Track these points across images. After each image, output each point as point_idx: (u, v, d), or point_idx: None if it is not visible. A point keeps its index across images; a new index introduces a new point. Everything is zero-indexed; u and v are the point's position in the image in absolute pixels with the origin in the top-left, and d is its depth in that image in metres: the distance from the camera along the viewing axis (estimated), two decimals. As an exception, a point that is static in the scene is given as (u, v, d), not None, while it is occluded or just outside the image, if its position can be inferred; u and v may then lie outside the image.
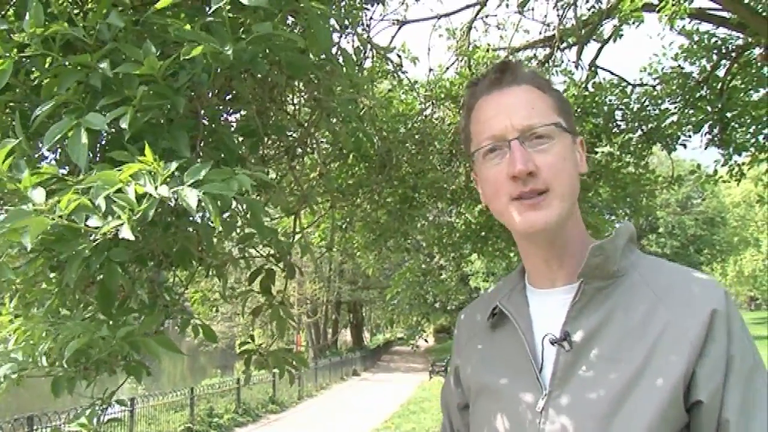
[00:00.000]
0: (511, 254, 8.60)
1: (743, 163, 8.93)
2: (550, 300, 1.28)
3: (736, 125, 8.27)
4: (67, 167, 1.80)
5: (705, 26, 8.48)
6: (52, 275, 1.77)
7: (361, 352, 38.16)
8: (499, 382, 1.32)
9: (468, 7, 8.48)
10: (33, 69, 1.62)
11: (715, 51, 8.34)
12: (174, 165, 1.29)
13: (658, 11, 5.66)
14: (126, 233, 1.20)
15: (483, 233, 7.76)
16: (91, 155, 1.58)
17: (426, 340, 49.02)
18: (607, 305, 1.20)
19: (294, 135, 2.49)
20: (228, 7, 1.46)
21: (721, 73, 8.41)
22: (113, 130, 1.49)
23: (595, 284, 1.21)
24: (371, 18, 4.39)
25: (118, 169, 1.28)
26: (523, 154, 1.20)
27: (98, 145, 1.72)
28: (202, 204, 1.26)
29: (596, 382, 1.16)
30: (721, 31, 8.41)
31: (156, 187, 1.24)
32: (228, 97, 2.05)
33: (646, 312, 1.17)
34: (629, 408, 1.11)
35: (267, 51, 1.69)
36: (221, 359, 40.27)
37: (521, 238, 1.33)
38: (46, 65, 1.58)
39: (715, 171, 9.05)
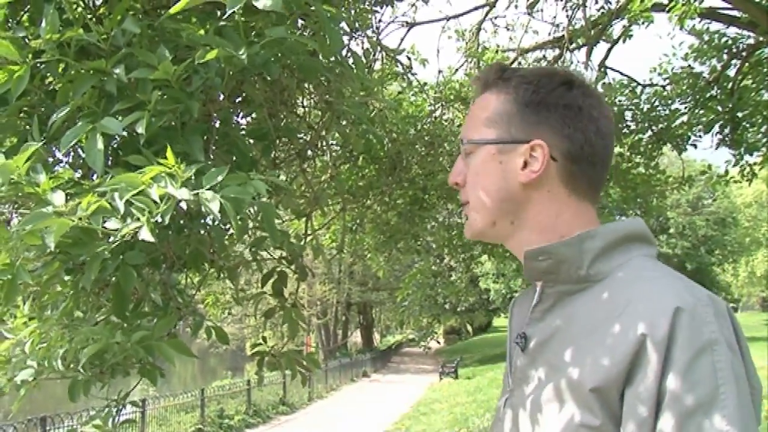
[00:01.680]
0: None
1: (755, 164, 8.88)
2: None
3: (747, 125, 8.23)
4: (80, 170, 1.82)
5: (715, 25, 8.46)
6: (66, 278, 1.79)
7: (371, 353, 38.18)
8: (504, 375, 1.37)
9: (477, 8, 8.48)
10: (48, 74, 1.63)
11: (726, 50, 8.31)
12: (193, 168, 1.31)
13: (668, 11, 5.65)
14: (146, 235, 1.22)
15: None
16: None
17: (438, 342, 49.07)
18: (569, 311, 1.16)
19: (305, 137, 2.50)
20: (240, 11, 1.48)
21: (731, 72, 8.38)
22: (125, 133, 1.50)
23: (560, 288, 1.17)
24: (380, 20, 4.40)
25: (139, 172, 1.30)
26: (456, 165, 1.31)
27: (110, 148, 1.73)
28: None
29: (537, 387, 1.15)
30: (732, 31, 8.40)
31: (177, 190, 1.26)
32: (238, 100, 2.07)
33: (594, 325, 1.09)
34: (546, 419, 1.10)
35: (279, 54, 1.70)
36: (231, 361, 40.38)
37: None
38: (61, 70, 1.60)
39: (726, 171, 9.02)
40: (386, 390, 25.94)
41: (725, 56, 8.32)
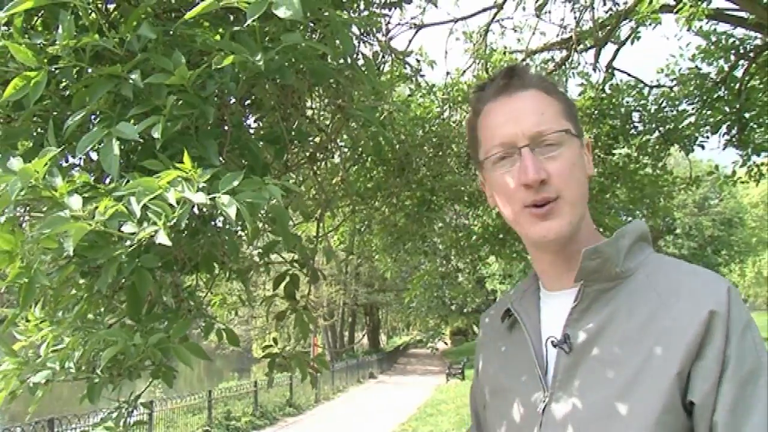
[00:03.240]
0: (529, 256, 8.53)
1: (762, 164, 8.87)
2: (558, 302, 1.29)
3: (755, 126, 8.21)
4: (92, 173, 1.83)
5: (722, 27, 8.44)
6: (81, 281, 1.80)
7: (378, 354, 38.15)
8: (511, 383, 1.35)
9: (485, 10, 8.48)
10: (63, 79, 1.65)
11: (733, 51, 8.29)
12: (209, 173, 1.32)
13: (676, 12, 5.64)
14: (163, 239, 1.23)
15: (501, 236, 7.76)
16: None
17: (446, 343, 49.00)
18: (610, 307, 1.19)
19: (315, 140, 2.51)
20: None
21: (739, 73, 8.36)
22: (141, 138, 1.51)
23: (597, 286, 1.21)
24: (389, 22, 4.41)
25: (156, 177, 1.31)
26: (534, 162, 1.21)
27: (123, 152, 1.74)
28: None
29: (594, 385, 1.16)
30: (739, 32, 8.38)
31: (193, 194, 1.27)
32: (249, 104, 2.08)
33: (648, 315, 1.15)
34: (624, 412, 1.11)
35: (292, 59, 1.71)
36: (238, 362, 40.44)
37: (531, 245, 1.34)
38: (76, 75, 1.61)
39: (734, 172, 9.00)
40: (393, 391, 25.93)
41: (732, 57, 8.30)
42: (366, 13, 2.42)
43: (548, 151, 1.22)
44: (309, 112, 2.46)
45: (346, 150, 3.60)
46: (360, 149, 3.56)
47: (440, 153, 5.81)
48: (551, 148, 1.23)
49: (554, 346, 1.24)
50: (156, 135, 1.43)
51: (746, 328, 1.11)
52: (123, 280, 1.77)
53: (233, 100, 1.87)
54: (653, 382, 1.10)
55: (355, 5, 2.37)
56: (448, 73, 7.26)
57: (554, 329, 1.26)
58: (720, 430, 1.06)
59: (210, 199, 1.28)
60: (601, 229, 1.35)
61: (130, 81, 1.51)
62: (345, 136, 2.85)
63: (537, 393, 1.25)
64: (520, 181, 1.22)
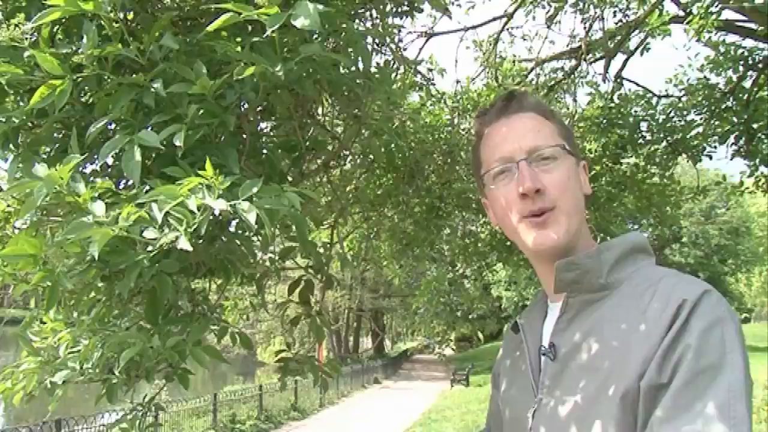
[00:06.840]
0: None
1: (770, 174, 8.85)
2: (555, 313, 1.34)
3: (763, 136, 8.19)
4: (108, 179, 1.86)
5: (731, 37, 8.43)
6: (100, 285, 1.83)
7: (383, 360, 38.11)
8: (514, 390, 1.43)
9: (495, 19, 8.51)
10: (86, 87, 1.68)
11: (742, 62, 8.27)
12: (229, 180, 1.36)
13: (686, 24, 5.66)
14: (184, 244, 1.26)
15: (508, 243, 7.77)
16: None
17: (453, 349, 48.95)
18: (594, 317, 1.24)
19: (329, 148, 2.53)
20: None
21: (747, 84, 8.34)
22: (161, 146, 1.54)
23: (582, 297, 1.27)
24: (400, 31, 4.45)
25: (177, 184, 1.34)
26: (530, 173, 1.29)
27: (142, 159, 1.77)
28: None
29: (574, 391, 1.20)
30: (748, 43, 8.37)
31: (214, 201, 1.30)
32: (264, 112, 2.10)
33: (628, 324, 1.17)
34: (592, 416, 1.14)
35: (310, 70, 1.74)
36: (242, 366, 40.39)
37: (531, 255, 1.40)
38: (97, 83, 1.64)
39: (741, 182, 8.99)
40: (397, 397, 25.89)
41: (741, 68, 8.28)
42: (379, 22, 2.44)
43: (544, 164, 1.31)
44: (321, 119, 2.49)
45: (356, 157, 3.63)
46: (371, 157, 3.59)
47: (449, 161, 5.85)
48: (547, 161, 1.31)
49: (543, 355, 1.31)
50: (178, 143, 1.47)
51: (716, 324, 1.08)
52: (143, 285, 1.80)
53: (246, 106, 1.89)
54: (618, 384, 1.12)
55: (368, 14, 2.40)
56: (458, 82, 7.29)
57: (548, 339, 1.33)
58: (658, 418, 1.05)
59: (230, 205, 1.31)
60: (608, 238, 1.40)
61: (152, 90, 1.54)
62: (356, 144, 2.88)
63: (530, 399, 1.32)
64: (517, 192, 1.29)
